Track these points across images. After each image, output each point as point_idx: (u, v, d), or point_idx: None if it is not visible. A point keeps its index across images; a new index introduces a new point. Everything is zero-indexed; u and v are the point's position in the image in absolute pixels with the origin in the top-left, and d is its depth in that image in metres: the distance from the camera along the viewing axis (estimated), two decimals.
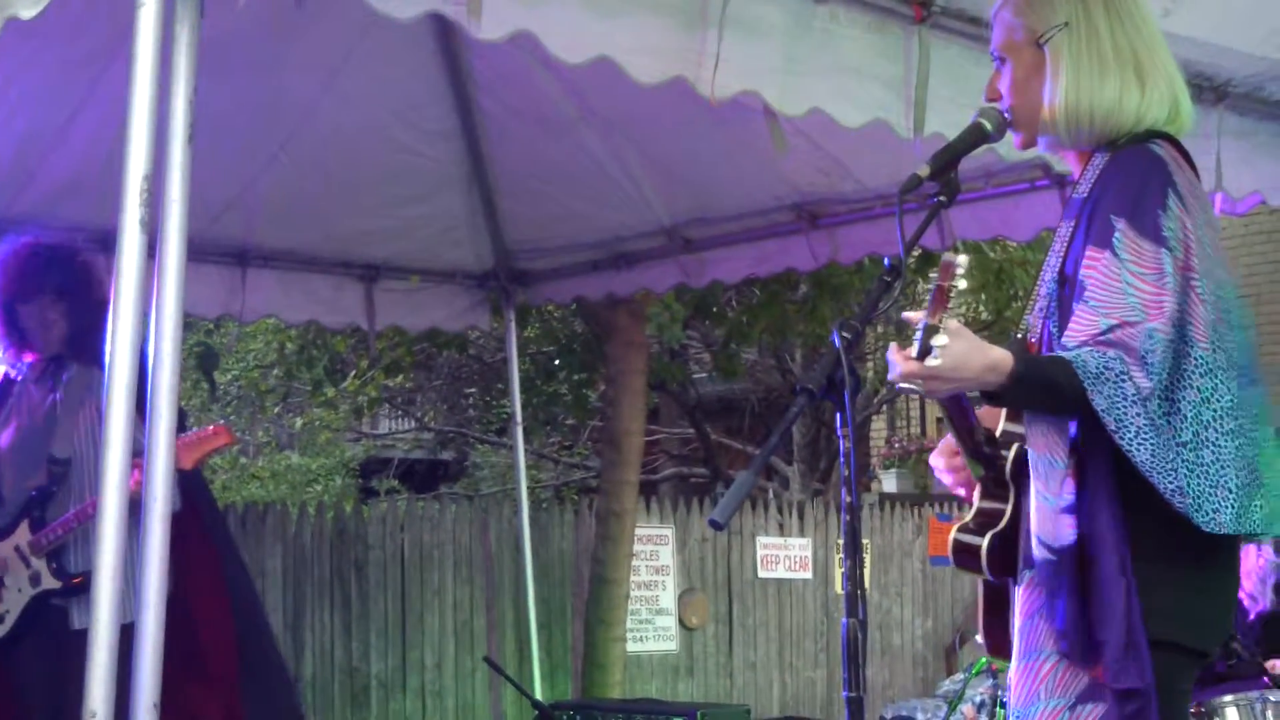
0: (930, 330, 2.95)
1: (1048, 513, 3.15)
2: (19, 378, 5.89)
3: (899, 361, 3.00)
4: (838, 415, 2.96)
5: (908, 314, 3.05)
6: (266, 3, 3.77)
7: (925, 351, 2.95)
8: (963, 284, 2.99)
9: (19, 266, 5.79)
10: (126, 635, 3.50)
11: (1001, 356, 3.05)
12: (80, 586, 5.54)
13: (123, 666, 3.51)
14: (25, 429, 5.78)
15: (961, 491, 3.51)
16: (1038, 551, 3.16)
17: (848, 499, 2.91)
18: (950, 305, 2.97)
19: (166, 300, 3.47)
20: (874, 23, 4.75)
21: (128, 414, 3.40)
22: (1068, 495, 3.12)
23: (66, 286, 5.76)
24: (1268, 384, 3.26)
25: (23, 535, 5.64)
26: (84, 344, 5.76)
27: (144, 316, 3.47)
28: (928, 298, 2.98)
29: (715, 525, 2.88)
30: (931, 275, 3.00)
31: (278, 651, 6.61)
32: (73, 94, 6.49)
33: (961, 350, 2.99)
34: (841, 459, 2.91)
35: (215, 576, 6.08)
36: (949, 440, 3.48)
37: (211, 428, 5.58)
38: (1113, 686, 3.04)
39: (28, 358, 5.84)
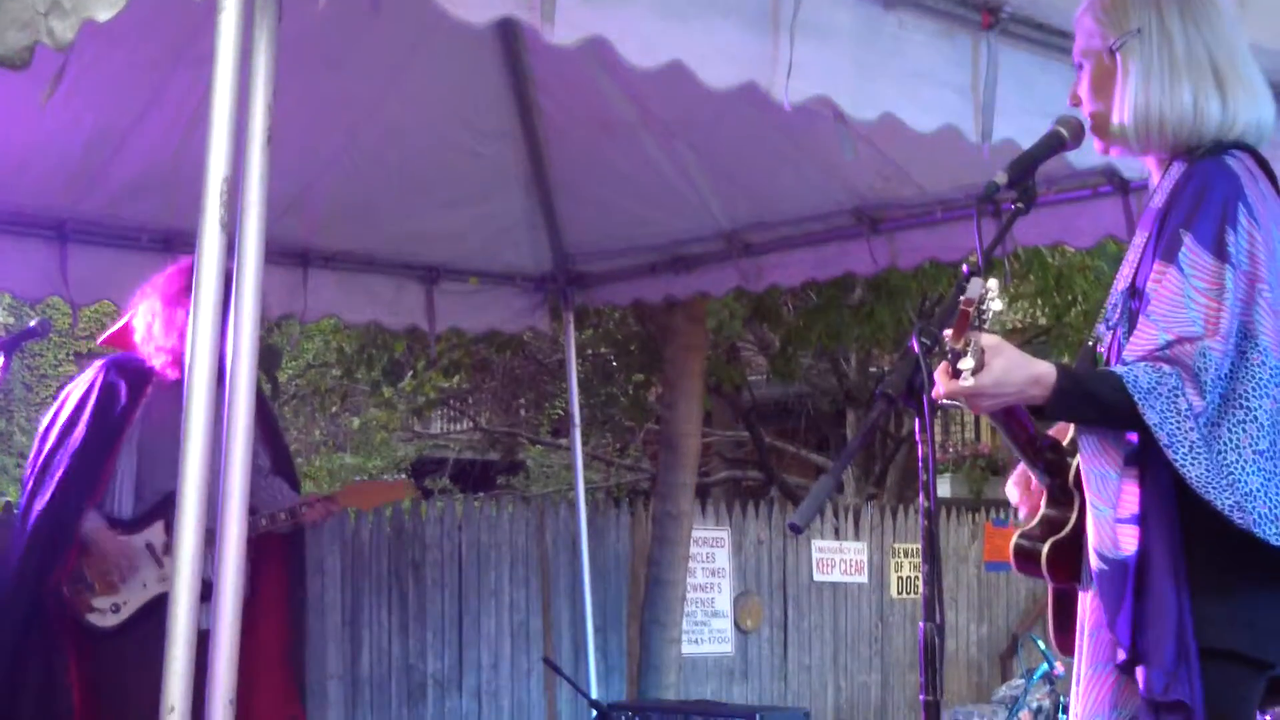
0: (956, 354, 2.96)
1: (1102, 524, 3.13)
2: (161, 368, 5.95)
3: (941, 380, 3.01)
4: (915, 422, 2.96)
5: (945, 331, 3.02)
6: (337, 4, 3.77)
7: (957, 372, 2.97)
8: (997, 305, 2.99)
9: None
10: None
11: (1044, 371, 3.04)
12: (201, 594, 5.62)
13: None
14: (163, 426, 5.79)
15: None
16: (1094, 563, 3.14)
17: (926, 504, 2.91)
18: (983, 324, 2.96)
19: (245, 300, 3.49)
20: (942, 29, 4.76)
21: (208, 410, 3.42)
22: (1128, 506, 3.10)
23: None
24: None
25: (158, 535, 5.71)
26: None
27: (223, 317, 3.50)
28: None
29: (795, 529, 2.89)
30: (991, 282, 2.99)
31: None
32: (139, 95, 6.52)
33: (1002, 366, 2.99)
34: (920, 463, 2.90)
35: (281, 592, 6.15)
36: (1023, 470, 3.48)
37: (396, 482, 5.63)
38: (1160, 699, 3.01)
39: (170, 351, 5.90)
